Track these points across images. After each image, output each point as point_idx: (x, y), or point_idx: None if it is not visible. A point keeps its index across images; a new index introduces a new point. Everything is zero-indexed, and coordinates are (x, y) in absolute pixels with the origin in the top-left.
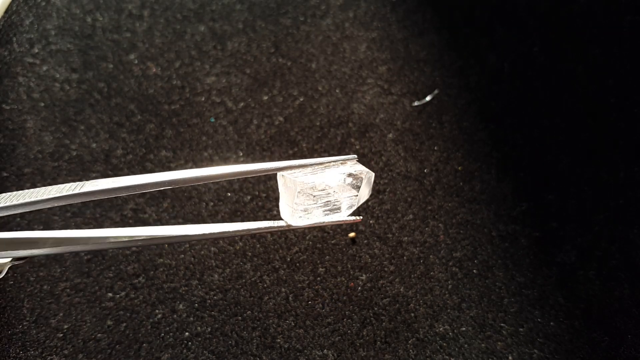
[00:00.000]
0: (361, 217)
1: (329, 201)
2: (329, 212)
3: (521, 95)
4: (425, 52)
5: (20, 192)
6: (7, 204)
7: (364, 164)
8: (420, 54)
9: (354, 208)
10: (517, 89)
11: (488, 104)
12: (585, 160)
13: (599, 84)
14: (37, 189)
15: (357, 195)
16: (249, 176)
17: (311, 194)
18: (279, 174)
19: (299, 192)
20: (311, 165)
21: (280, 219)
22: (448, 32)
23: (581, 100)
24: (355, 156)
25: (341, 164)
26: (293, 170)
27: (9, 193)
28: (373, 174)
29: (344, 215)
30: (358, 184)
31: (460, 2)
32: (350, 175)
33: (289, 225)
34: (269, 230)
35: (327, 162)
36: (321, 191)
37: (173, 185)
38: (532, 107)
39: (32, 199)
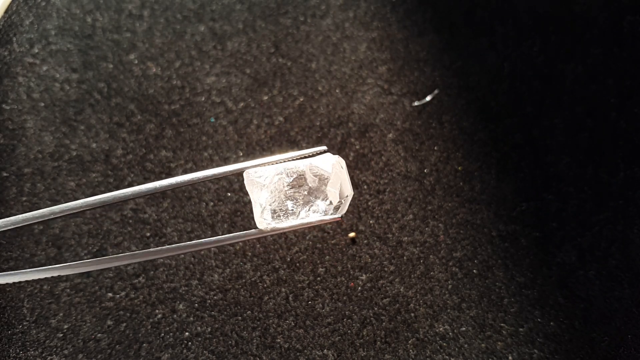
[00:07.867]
0: (341, 216)
1: (301, 200)
2: (307, 212)
3: (521, 95)
4: (425, 52)
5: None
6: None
7: (363, 164)
8: (420, 54)
9: (338, 206)
10: (517, 89)
11: (488, 104)
12: (585, 160)
13: (599, 84)
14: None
15: (325, 193)
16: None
17: (278, 190)
18: (245, 174)
19: (264, 186)
20: (278, 161)
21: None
22: (448, 32)
23: (581, 100)
24: (325, 148)
25: (310, 156)
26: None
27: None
28: (343, 161)
29: (319, 216)
30: (323, 177)
31: (460, 2)
32: (311, 169)
33: (260, 231)
34: (242, 239)
35: (293, 157)
36: (290, 188)
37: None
38: (532, 107)
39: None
